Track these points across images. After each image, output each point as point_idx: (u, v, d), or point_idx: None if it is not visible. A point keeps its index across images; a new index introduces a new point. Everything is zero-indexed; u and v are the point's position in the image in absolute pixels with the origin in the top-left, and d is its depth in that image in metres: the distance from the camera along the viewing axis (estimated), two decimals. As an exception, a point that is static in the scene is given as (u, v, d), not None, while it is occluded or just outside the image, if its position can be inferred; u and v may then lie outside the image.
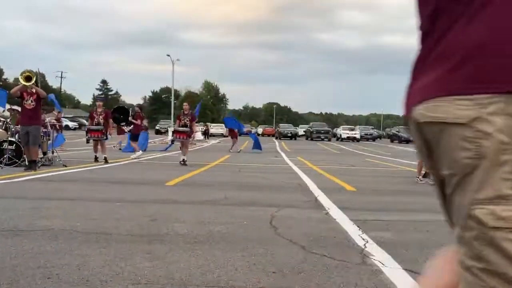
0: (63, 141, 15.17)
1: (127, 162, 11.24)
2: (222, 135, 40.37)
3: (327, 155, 18.40)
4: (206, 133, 32.75)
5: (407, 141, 34.64)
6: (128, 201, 5.08)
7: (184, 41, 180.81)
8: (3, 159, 8.85)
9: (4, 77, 70.31)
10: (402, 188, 7.14)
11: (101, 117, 11.06)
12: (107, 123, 11.21)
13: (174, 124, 12.83)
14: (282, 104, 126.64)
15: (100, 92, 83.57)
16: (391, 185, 7.51)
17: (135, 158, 12.04)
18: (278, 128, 45.32)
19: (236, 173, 9.09)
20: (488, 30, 0.71)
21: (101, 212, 4.34)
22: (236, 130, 18.80)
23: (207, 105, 71.23)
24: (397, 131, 40.84)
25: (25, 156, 8.74)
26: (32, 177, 7.26)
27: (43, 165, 8.76)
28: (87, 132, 11.25)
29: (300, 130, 47.54)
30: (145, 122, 14.92)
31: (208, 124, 40.97)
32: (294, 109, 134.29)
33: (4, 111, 10.93)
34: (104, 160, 10.64)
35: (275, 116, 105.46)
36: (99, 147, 10.97)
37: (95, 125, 11.01)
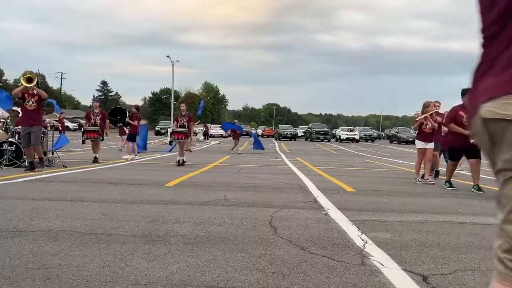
0: (66, 142, 15.21)
1: (127, 163, 11.25)
2: (222, 136, 40.36)
3: (326, 156, 18.41)
4: (206, 134, 32.75)
5: (406, 142, 34.69)
6: (128, 201, 5.08)
7: (184, 42, 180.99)
8: (3, 160, 8.86)
9: (4, 78, 70.31)
10: (401, 189, 7.15)
11: (97, 118, 11.09)
12: (103, 124, 11.24)
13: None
14: (281, 105, 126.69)
15: (100, 93, 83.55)
16: (390, 186, 7.52)
17: (129, 160, 12.05)
18: (278, 129, 45.35)
19: (236, 174, 9.09)
20: None
21: (101, 213, 4.35)
22: (238, 131, 18.82)
23: (207, 106, 71.12)
24: (396, 132, 40.88)
25: (25, 157, 8.76)
26: (32, 178, 7.26)
27: (30, 168, 8.73)
28: (83, 133, 11.28)
29: (300, 131, 47.61)
30: (142, 123, 14.90)
31: (208, 125, 40.97)
32: (293, 110, 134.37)
33: (2, 112, 10.96)
34: (93, 159, 10.69)
35: (274, 117, 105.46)
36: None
37: (91, 126, 11.04)
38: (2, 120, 9.78)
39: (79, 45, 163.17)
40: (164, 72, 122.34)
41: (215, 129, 42.74)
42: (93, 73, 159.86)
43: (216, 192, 6.10)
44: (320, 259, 2.96)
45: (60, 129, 16.81)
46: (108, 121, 11.81)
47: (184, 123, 11.22)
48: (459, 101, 7.32)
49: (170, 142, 15.98)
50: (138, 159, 12.55)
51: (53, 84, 70.92)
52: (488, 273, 2.77)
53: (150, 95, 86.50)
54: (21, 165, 8.92)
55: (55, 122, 11.96)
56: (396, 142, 38.46)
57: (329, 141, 38.71)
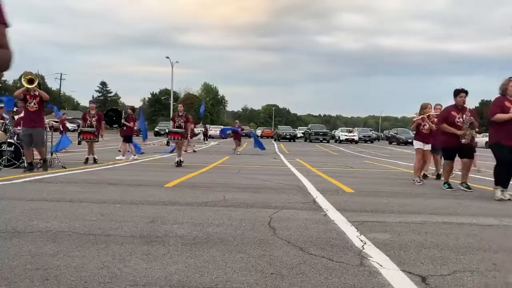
0: (69, 143, 15.22)
1: (126, 163, 11.24)
2: (221, 137, 40.34)
3: (325, 156, 18.41)
4: (205, 135, 32.75)
5: (405, 143, 34.71)
6: (127, 202, 5.08)
7: (183, 43, 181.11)
8: (2, 161, 8.85)
9: (3, 78, 70.25)
10: (400, 190, 7.15)
11: (94, 119, 11.15)
12: (99, 125, 11.29)
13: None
14: (281, 106, 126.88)
15: (99, 94, 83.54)
16: (389, 187, 7.52)
17: (121, 160, 12.06)
18: (277, 130, 45.37)
19: (235, 174, 9.09)
20: None
21: (100, 214, 4.34)
22: (239, 132, 18.81)
23: (206, 107, 71.08)
24: (395, 133, 40.91)
25: (24, 157, 8.76)
26: (31, 178, 7.25)
27: (41, 166, 8.74)
28: (79, 134, 11.33)
29: (299, 132, 47.62)
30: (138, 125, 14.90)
31: (207, 125, 40.95)
32: (293, 111, 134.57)
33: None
34: (85, 160, 10.73)
35: (274, 118, 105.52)
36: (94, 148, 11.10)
37: (87, 127, 11.08)
38: (0, 121, 9.78)
39: (78, 45, 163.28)
40: (163, 72, 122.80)
41: (214, 130, 42.73)
42: (93, 73, 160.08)
43: (215, 193, 6.09)
44: (319, 260, 2.96)
45: (62, 129, 16.82)
46: (104, 122, 11.86)
47: (181, 123, 11.25)
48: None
49: (168, 143, 15.99)
50: (137, 159, 12.54)
51: (53, 84, 70.91)
52: (487, 274, 2.78)
53: (150, 96, 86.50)
54: (20, 166, 8.92)
55: (54, 122, 11.97)
56: (395, 143, 38.49)
57: (328, 142, 38.72)
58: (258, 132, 50.51)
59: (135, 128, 13.99)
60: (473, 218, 4.72)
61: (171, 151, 16.38)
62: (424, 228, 4.13)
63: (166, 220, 4.12)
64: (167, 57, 44.98)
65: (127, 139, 12.97)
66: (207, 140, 32.46)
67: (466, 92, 7.26)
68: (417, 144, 8.45)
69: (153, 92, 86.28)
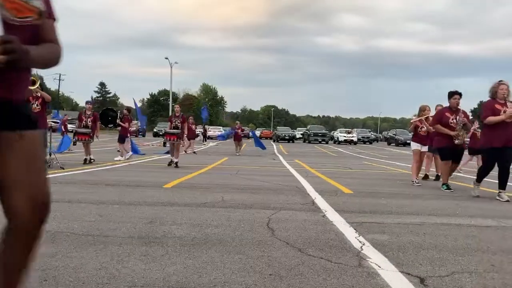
0: (70, 144, 15.22)
1: (124, 164, 11.23)
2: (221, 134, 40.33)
3: (324, 157, 18.42)
4: (204, 136, 32.74)
5: (404, 144, 34.75)
6: (125, 203, 5.07)
7: (182, 44, 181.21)
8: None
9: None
10: (399, 191, 7.16)
11: (89, 119, 11.18)
12: (95, 126, 11.32)
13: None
14: (280, 107, 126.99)
15: (98, 95, 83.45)
16: (388, 188, 7.53)
17: (120, 160, 12.05)
18: (276, 131, 45.37)
19: (234, 175, 9.09)
20: None
21: (98, 214, 4.33)
22: (239, 133, 18.79)
23: (199, 108, 71.15)
24: (394, 134, 40.96)
25: None
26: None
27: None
28: (74, 134, 11.36)
29: (298, 133, 47.60)
30: (135, 126, 14.93)
31: (206, 126, 40.95)
32: (291, 112, 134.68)
33: None
34: (84, 161, 10.76)
35: (272, 119, 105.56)
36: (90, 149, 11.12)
37: (83, 128, 11.11)
38: None
39: (78, 45, 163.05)
40: (162, 73, 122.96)
41: (213, 130, 42.73)
42: (92, 74, 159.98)
43: (213, 193, 6.09)
44: (317, 261, 2.96)
45: (63, 130, 16.78)
46: (99, 122, 11.89)
47: (178, 124, 11.27)
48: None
49: (164, 144, 15.96)
50: (130, 159, 12.51)
51: (51, 85, 70.62)
52: (485, 275, 2.78)
53: (148, 96, 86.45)
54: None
55: (53, 123, 11.98)
56: (394, 144, 38.53)
57: (327, 143, 38.73)
58: (257, 133, 50.52)
59: (134, 129, 14.01)
60: (472, 219, 4.73)
61: (166, 153, 16.39)
62: (422, 229, 4.13)
63: (165, 221, 4.12)
64: (166, 58, 45.01)
65: (121, 139, 12.97)
66: (206, 141, 32.46)
67: (460, 94, 7.40)
68: (414, 146, 8.53)
69: (152, 92, 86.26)
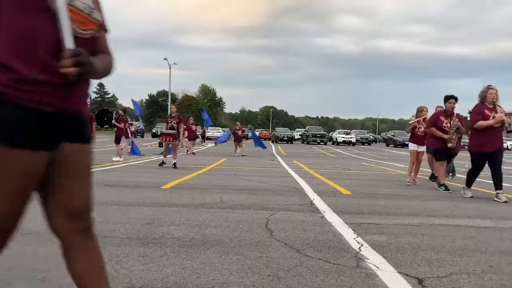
0: None
1: (123, 165, 11.22)
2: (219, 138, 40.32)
3: (323, 158, 18.43)
4: (203, 137, 32.72)
5: (403, 145, 34.78)
6: (124, 204, 5.07)
7: (182, 44, 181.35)
8: None
9: None
10: (397, 192, 7.17)
11: None
12: (90, 126, 11.30)
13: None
14: (278, 108, 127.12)
15: (97, 95, 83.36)
16: (386, 189, 7.54)
17: (116, 161, 12.04)
18: (275, 132, 45.36)
19: (232, 176, 9.09)
20: None
21: (96, 215, 4.31)
22: (239, 134, 18.78)
23: (201, 109, 71.15)
24: (392, 135, 40.98)
25: None
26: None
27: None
28: None
29: (296, 134, 47.62)
30: (134, 126, 14.92)
31: (206, 127, 40.91)
32: (290, 113, 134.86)
33: None
34: None
35: (271, 120, 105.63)
36: None
37: None
38: None
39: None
40: (161, 74, 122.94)
41: (212, 131, 42.71)
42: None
43: (212, 194, 6.09)
44: (315, 262, 2.96)
45: None
46: (94, 123, 11.91)
47: (174, 125, 11.31)
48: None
49: (160, 144, 15.92)
50: (121, 160, 12.49)
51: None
52: (483, 276, 2.78)
53: (147, 97, 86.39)
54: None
55: None
56: (392, 145, 38.55)
57: (325, 144, 38.74)
58: (256, 133, 50.48)
59: (133, 129, 14.01)
60: (470, 220, 4.74)
61: (161, 153, 16.35)
62: (421, 230, 4.14)
63: (163, 222, 4.12)
64: (165, 59, 44.94)
65: (117, 140, 12.96)
66: (204, 141, 32.43)
67: (455, 99, 7.57)
68: (412, 146, 8.70)
69: (150, 93, 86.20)
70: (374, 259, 3.05)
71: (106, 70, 1.57)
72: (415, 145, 8.59)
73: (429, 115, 8.46)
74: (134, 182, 7.32)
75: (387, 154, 24.39)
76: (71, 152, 1.48)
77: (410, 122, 8.93)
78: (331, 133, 48.72)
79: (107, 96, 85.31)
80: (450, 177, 9.85)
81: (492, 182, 6.56)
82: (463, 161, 11.07)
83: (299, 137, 45.58)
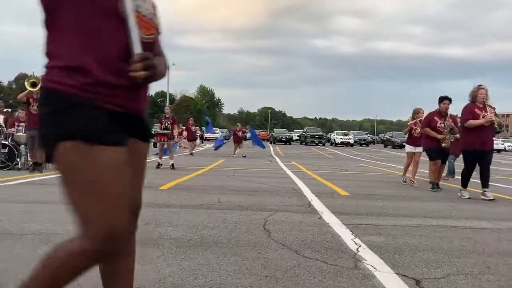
0: None
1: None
2: (217, 140, 40.27)
3: (321, 159, 18.44)
4: (201, 137, 32.70)
5: (400, 146, 34.83)
6: (121, 205, 5.05)
7: (181, 45, 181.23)
8: (-4, 162, 8.80)
9: (-1, 80, 69.85)
10: (395, 193, 7.17)
11: None
12: None
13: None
14: (276, 109, 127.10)
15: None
16: (384, 190, 7.54)
17: None
18: (273, 133, 45.37)
19: (231, 177, 9.08)
20: None
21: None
22: (240, 135, 18.77)
23: (202, 110, 71.07)
24: (390, 136, 41.04)
25: (30, 159, 8.93)
26: (25, 180, 7.21)
27: (34, 169, 8.69)
28: None
29: (295, 135, 47.67)
30: None
31: (203, 128, 40.88)
32: (288, 114, 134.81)
33: None
34: None
35: (269, 121, 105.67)
36: None
37: None
38: None
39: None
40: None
41: (210, 132, 42.65)
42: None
43: (210, 195, 6.08)
44: (313, 263, 2.95)
45: None
46: None
47: (168, 125, 11.35)
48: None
49: (154, 145, 15.87)
50: None
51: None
52: (480, 277, 2.78)
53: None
54: (14, 168, 8.87)
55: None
56: (390, 146, 38.61)
57: (323, 145, 38.78)
58: (254, 134, 50.48)
59: None
60: (467, 221, 4.74)
61: (156, 154, 16.29)
62: (418, 231, 4.14)
63: (161, 223, 4.11)
64: (163, 59, 44.83)
65: None
66: (203, 142, 32.42)
67: (449, 100, 7.75)
68: (408, 148, 8.92)
69: (149, 94, 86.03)
70: (371, 260, 3.05)
71: (164, 72, 1.62)
72: (411, 146, 8.77)
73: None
74: (132, 183, 7.30)
75: (385, 155, 24.42)
76: (134, 149, 1.53)
77: (407, 124, 9.10)
78: (329, 134, 48.75)
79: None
80: (451, 178, 9.91)
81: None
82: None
83: (297, 138, 45.61)
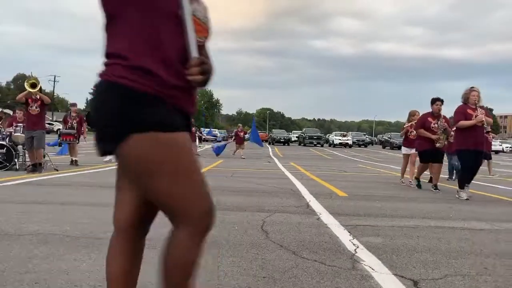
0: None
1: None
2: (215, 140, 40.31)
3: (319, 160, 18.45)
4: (199, 138, 32.69)
5: (399, 148, 34.87)
6: (119, 205, 5.04)
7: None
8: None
9: (-4, 80, 69.69)
10: (393, 194, 7.18)
11: (74, 121, 11.24)
12: (80, 127, 11.36)
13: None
14: (275, 110, 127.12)
15: (93, 97, 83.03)
16: (382, 191, 7.55)
17: (108, 161, 12.00)
18: (271, 134, 45.37)
19: (229, 178, 9.08)
20: None
21: (92, 217, 4.31)
22: (241, 135, 18.77)
23: (200, 110, 71.04)
24: (388, 138, 41.08)
25: (29, 160, 8.97)
26: (23, 181, 7.19)
27: (33, 170, 8.67)
28: (59, 136, 11.41)
29: (293, 136, 47.65)
30: None
31: (202, 129, 40.90)
32: (287, 115, 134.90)
33: None
34: (71, 162, 10.75)
35: (268, 122, 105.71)
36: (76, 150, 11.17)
37: (68, 129, 11.11)
38: None
39: (72, 48, 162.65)
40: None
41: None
42: (88, 76, 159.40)
43: (208, 196, 6.07)
44: (311, 264, 2.95)
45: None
46: (85, 124, 11.93)
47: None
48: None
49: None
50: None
51: (46, 87, 70.04)
52: (478, 278, 2.79)
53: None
54: (11, 168, 8.85)
55: (47, 125, 11.96)
56: (388, 147, 38.65)
57: (322, 146, 38.79)
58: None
59: None
60: (465, 223, 4.75)
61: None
62: (416, 232, 4.15)
63: (158, 223, 4.09)
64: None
65: None
66: (201, 143, 32.41)
67: (441, 101, 7.95)
68: (404, 150, 9.16)
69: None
70: (369, 261, 3.05)
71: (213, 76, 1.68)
72: (407, 148, 8.96)
73: None
74: (130, 184, 7.29)
75: (383, 156, 24.45)
76: None
77: (404, 126, 9.29)
78: (328, 135, 48.77)
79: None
80: (453, 179, 9.95)
81: (479, 183, 6.69)
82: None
83: (296, 139, 45.61)
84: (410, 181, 8.58)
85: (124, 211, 1.65)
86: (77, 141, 11.31)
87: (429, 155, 7.83)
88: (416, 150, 8.50)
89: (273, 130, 54.19)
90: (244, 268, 2.81)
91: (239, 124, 21.58)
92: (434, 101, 7.91)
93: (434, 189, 7.71)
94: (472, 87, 6.87)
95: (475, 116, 6.57)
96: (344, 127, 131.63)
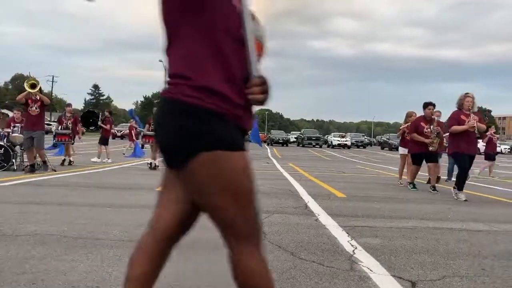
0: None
1: (116, 167, 11.17)
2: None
3: (318, 161, 18.46)
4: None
5: (397, 148, 34.93)
6: (117, 206, 5.04)
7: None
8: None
9: (-6, 80, 69.53)
10: (391, 195, 7.18)
11: (69, 121, 11.25)
12: (75, 127, 11.37)
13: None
14: (274, 111, 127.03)
15: (92, 97, 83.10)
16: (381, 192, 7.55)
17: (105, 162, 11.98)
18: (270, 135, 45.35)
19: (227, 179, 9.06)
20: None
21: (90, 217, 4.30)
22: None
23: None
24: (387, 139, 41.11)
25: (26, 160, 8.96)
26: (20, 181, 7.18)
27: (31, 170, 8.65)
28: (54, 136, 11.43)
29: (292, 137, 47.62)
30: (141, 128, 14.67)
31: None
32: (286, 116, 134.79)
33: None
34: (62, 162, 10.79)
35: (266, 123, 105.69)
36: (71, 151, 11.19)
37: (63, 129, 11.11)
38: None
39: (71, 48, 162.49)
40: (157, 76, 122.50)
41: None
42: (86, 77, 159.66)
43: (206, 197, 6.06)
44: (309, 265, 2.95)
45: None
46: (80, 124, 11.94)
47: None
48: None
49: (142, 146, 15.77)
50: (110, 162, 12.24)
51: (44, 87, 69.96)
52: (476, 279, 2.79)
53: (142, 99, 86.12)
54: (9, 168, 8.83)
55: (46, 125, 11.95)
56: (387, 148, 38.68)
57: (321, 147, 38.81)
58: (251, 136, 50.44)
59: (114, 131, 14.06)
60: (463, 224, 4.75)
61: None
62: (414, 233, 4.15)
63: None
64: (160, 61, 44.89)
65: (104, 141, 12.82)
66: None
67: (433, 105, 8.12)
68: (401, 150, 9.23)
69: (146, 95, 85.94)
70: (367, 262, 3.05)
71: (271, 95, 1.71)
72: (404, 149, 9.00)
73: None
74: (129, 184, 7.29)
75: (382, 157, 24.47)
76: None
77: (400, 128, 9.38)
78: (326, 136, 48.77)
79: (102, 97, 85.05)
80: (452, 180, 9.95)
81: (477, 184, 6.71)
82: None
83: (295, 140, 45.60)
84: (408, 182, 8.58)
85: (165, 222, 1.66)
86: (72, 141, 11.33)
87: (421, 158, 7.97)
88: (408, 153, 8.59)
89: (272, 131, 54.20)
90: (242, 269, 2.80)
91: None
92: (426, 105, 8.06)
93: (433, 190, 7.75)
94: (467, 93, 7.01)
95: (468, 122, 6.72)
96: (343, 128, 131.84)
